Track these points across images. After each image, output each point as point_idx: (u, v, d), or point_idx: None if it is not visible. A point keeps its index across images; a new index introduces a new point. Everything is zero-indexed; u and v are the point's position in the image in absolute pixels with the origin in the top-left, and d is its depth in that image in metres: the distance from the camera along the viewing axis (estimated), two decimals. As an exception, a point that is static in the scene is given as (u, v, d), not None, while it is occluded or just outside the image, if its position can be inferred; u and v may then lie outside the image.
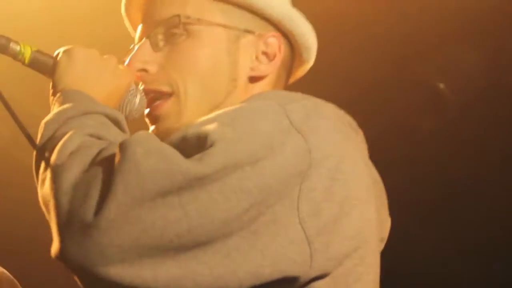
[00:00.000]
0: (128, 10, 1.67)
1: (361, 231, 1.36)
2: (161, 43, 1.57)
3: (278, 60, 1.60)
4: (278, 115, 1.30)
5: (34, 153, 1.37)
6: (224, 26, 1.57)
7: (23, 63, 1.55)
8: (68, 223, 1.21)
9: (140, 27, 1.63)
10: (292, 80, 1.71)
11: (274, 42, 1.59)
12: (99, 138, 1.34)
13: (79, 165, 1.26)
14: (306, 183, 1.27)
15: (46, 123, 1.38)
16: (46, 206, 1.29)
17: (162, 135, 1.44)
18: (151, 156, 1.21)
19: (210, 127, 1.26)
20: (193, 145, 1.25)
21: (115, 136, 1.37)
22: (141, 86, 1.59)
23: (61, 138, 1.32)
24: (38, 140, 1.37)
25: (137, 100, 1.57)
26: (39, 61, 1.55)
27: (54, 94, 1.47)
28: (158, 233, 1.20)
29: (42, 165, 1.33)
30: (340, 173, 1.32)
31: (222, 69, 1.56)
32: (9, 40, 1.53)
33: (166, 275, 1.20)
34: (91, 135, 1.34)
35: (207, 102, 1.54)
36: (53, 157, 1.29)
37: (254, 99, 1.43)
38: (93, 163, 1.26)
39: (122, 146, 1.23)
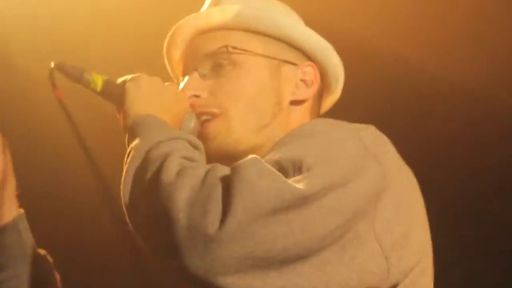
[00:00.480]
0: (170, 49, 1.84)
1: (423, 246, 1.57)
2: (208, 74, 1.75)
3: (315, 87, 1.78)
4: (357, 142, 1.50)
5: (125, 172, 1.50)
6: (266, 56, 1.75)
7: (95, 91, 1.69)
8: (190, 238, 1.35)
9: (184, 63, 1.81)
10: (322, 111, 1.89)
11: (311, 70, 1.78)
12: (192, 160, 1.49)
13: (189, 184, 1.39)
14: (380, 204, 1.46)
15: (137, 147, 1.51)
16: (149, 222, 1.43)
17: (213, 152, 1.66)
18: (264, 177, 1.37)
19: (303, 153, 1.43)
20: (288, 168, 1.42)
21: (201, 159, 1.54)
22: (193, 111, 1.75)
23: (158, 160, 1.46)
24: (128, 161, 1.51)
25: (192, 123, 1.71)
26: (109, 90, 1.69)
27: (127, 119, 1.62)
28: (268, 247, 1.35)
29: (140, 184, 1.47)
30: (405, 193, 1.54)
31: (266, 93, 1.73)
32: (82, 70, 1.68)
33: (272, 285, 1.36)
34: (186, 158, 1.48)
35: (254, 122, 1.71)
36: (159, 178, 1.42)
37: (316, 125, 1.65)
38: (204, 183, 1.39)
39: (237, 168, 1.39)
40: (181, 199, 1.38)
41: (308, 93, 1.78)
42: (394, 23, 3.41)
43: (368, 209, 1.45)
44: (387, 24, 3.42)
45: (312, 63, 1.79)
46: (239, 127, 1.71)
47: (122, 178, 1.50)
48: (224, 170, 1.42)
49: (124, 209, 1.50)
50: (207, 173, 1.42)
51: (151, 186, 1.44)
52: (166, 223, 1.38)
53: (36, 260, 1.85)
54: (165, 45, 1.84)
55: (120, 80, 1.70)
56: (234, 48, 1.73)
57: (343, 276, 1.40)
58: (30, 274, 1.83)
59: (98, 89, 1.68)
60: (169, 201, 1.38)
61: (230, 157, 1.63)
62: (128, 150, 1.54)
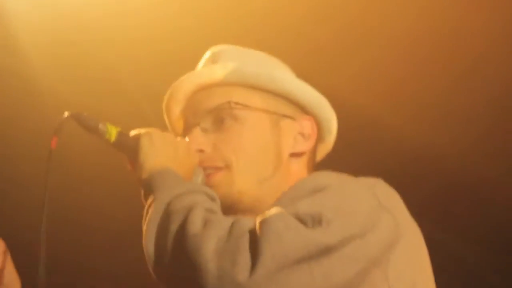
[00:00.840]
0: (170, 104, 1.90)
1: None
2: (210, 128, 1.82)
3: (313, 140, 1.86)
4: (370, 196, 1.58)
5: (147, 224, 1.58)
6: (265, 111, 1.82)
7: (109, 142, 1.74)
8: (221, 287, 1.44)
9: (185, 118, 1.88)
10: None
11: (308, 124, 1.86)
12: (214, 212, 1.58)
13: (216, 235, 1.48)
14: (393, 254, 1.56)
15: (157, 199, 1.60)
16: (177, 272, 1.52)
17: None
18: (290, 230, 1.46)
19: (322, 208, 1.52)
20: (307, 222, 1.50)
21: (220, 210, 1.62)
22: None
23: (181, 212, 1.55)
24: (150, 213, 1.59)
25: (200, 178, 1.79)
26: (123, 141, 1.75)
27: (142, 172, 1.70)
28: None
29: (165, 236, 1.54)
30: (415, 244, 1.65)
31: (268, 147, 1.81)
32: (98, 121, 1.73)
33: None
34: (208, 210, 1.56)
35: (256, 175, 1.79)
36: (185, 229, 1.51)
37: (325, 178, 1.70)
38: (231, 234, 1.49)
39: (265, 221, 1.48)
40: (210, 250, 1.46)
41: (307, 146, 1.85)
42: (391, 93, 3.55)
43: (382, 258, 1.54)
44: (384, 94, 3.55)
45: (309, 117, 1.86)
46: (242, 179, 1.77)
47: (144, 230, 1.58)
48: (248, 222, 1.51)
49: (148, 261, 1.56)
50: (232, 224, 1.50)
51: (176, 237, 1.52)
52: (196, 273, 1.46)
53: None
54: (165, 101, 1.90)
55: (133, 132, 1.77)
56: (236, 103, 1.80)
57: None
58: None
59: (112, 140, 1.73)
60: (198, 252, 1.46)
61: (233, 208, 1.74)
62: (149, 202, 1.61)
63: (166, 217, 1.56)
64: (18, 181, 3.89)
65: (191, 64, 1.94)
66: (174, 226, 1.54)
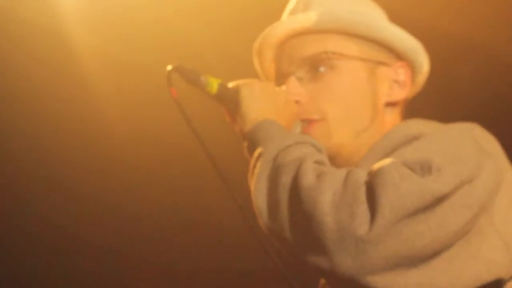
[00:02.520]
0: (263, 49, 1.86)
1: None
2: (305, 77, 1.78)
3: (408, 87, 1.82)
4: (472, 140, 1.54)
5: (257, 177, 1.55)
6: (361, 59, 1.78)
7: (210, 94, 1.72)
8: (340, 240, 1.42)
9: (278, 64, 1.84)
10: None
11: (403, 71, 1.82)
12: (324, 164, 1.54)
13: (331, 188, 1.45)
14: (497, 198, 1.54)
15: (265, 151, 1.57)
16: (291, 225, 1.49)
17: None
18: (406, 180, 1.43)
19: (429, 155, 1.48)
20: (416, 170, 1.46)
21: (328, 162, 1.58)
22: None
23: (292, 165, 1.52)
24: (259, 166, 1.56)
25: (299, 129, 1.75)
26: (224, 93, 1.72)
27: (245, 124, 1.68)
28: (411, 245, 1.43)
29: (276, 189, 1.51)
30: None
31: (365, 97, 1.77)
32: (199, 73, 1.71)
33: (413, 281, 1.45)
34: (318, 162, 1.53)
35: (354, 126, 1.75)
36: (298, 182, 1.48)
37: (423, 126, 1.69)
38: (346, 186, 1.45)
39: (380, 172, 1.45)
40: (326, 202, 1.44)
41: (402, 94, 1.81)
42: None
43: (489, 203, 1.52)
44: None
45: (404, 64, 1.82)
46: (340, 132, 1.74)
47: (254, 182, 1.55)
48: (362, 174, 1.48)
49: (258, 214, 1.54)
50: (347, 176, 1.48)
51: (289, 191, 1.49)
52: (313, 226, 1.44)
53: None
54: (256, 45, 1.87)
55: (232, 84, 1.74)
56: (333, 53, 1.76)
57: (473, 269, 1.48)
58: None
59: (214, 92, 1.71)
60: (314, 205, 1.44)
61: (332, 161, 1.65)
62: (255, 154, 1.60)
63: (276, 170, 1.54)
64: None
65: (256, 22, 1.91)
66: (286, 179, 1.51)
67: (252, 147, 1.63)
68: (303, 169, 1.49)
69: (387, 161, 1.48)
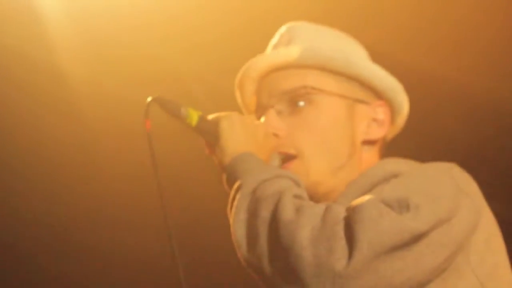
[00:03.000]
0: (244, 82, 1.88)
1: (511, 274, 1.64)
2: (285, 111, 1.79)
3: (386, 126, 1.83)
4: (451, 179, 1.56)
5: (235, 209, 1.57)
6: (340, 96, 1.79)
7: (190, 126, 1.73)
8: (317, 275, 1.43)
9: (258, 98, 1.85)
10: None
11: (382, 110, 1.82)
12: (302, 199, 1.56)
13: (309, 223, 1.46)
14: (474, 237, 1.55)
15: (246, 183, 1.58)
16: (269, 259, 1.50)
17: None
18: (384, 217, 1.45)
19: (407, 193, 1.50)
20: (394, 207, 1.47)
21: (306, 197, 1.59)
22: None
23: (270, 198, 1.53)
24: (238, 199, 1.58)
25: (277, 163, 1.76)
26: (204, 126, 1.74)
27: (224, 156, 1.69)
28: (388, 281, 1.45)
29: (255, 222, 1.53)
30: (492, 227, 1.62)
31: (343, 133, 1.78)
32: (180, 105, 1.73)
33: None
34: (297, 196, 1.54)
35: (331, 164, 1.76)
36: (277, 216, 1.50)
37: (400, 164, 1.71)
38: (325, 221, 1.47)
39: (359, 208, 1.46)
40: (305, 237, 1.45)
41: (380, 132, 1.82)
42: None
43: (465, 242, 1.54)
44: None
45: (383, 103, 1.83)
46: (316, 169, 1.75)
47: (233, 215, 1.57)
48: (341, 209, 1.50)
49: (237, 246, 1.56)
50: (326, 211, 1.49)
51: (268, 224, 1.51)
52: (291, 260, 1.45)
53: None
54: (238, 78, 1.89)
55: (212, 116, 1.76)
56: (312, 88, 1.78)
57: None
58: None
59: (193, 124, 1.73)
60: (293, 240, 1.46)
61: (310, 198, 1.64)
62: (234, 187, 1.60)
63: (255, 203, 1.55)
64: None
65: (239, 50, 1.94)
66: (265, 213, 1.52)
67: (231, 179, 1.64)
68: (282, 204, 1.51)
69: (365, 197, 1.50)
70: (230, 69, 1.95)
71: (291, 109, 1.79)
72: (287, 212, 1.49)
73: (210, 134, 1.73)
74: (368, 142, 1.82)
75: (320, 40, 1.84)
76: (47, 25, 3.45)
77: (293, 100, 1.79)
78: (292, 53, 1.80)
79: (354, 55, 1.84)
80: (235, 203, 1.57)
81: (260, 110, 1.83)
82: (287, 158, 1.76)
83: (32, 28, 3.48)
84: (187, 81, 3.63)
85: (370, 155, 1.82)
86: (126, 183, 3.94)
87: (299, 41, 1.83)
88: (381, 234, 1.43)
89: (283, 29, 1.89)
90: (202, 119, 1.74)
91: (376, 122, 1.82)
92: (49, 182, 3.94)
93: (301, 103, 1.78)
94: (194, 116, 1.73)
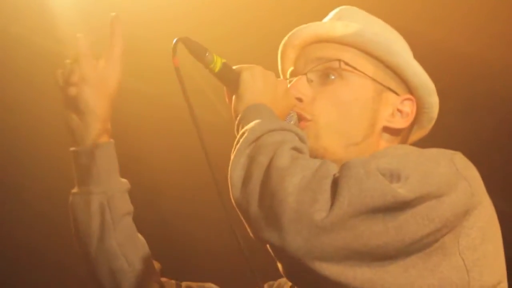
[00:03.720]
0: (286, 48, 1.92)
1: (503, 266, 1.65)
2: (315, 81, 1.84)
3: (409, 119, 1.86)
4: (450, 162, 1.58)
5: (236, 150, 1.59)
6: (372, 80, 1.84)
7: (213, 72, 1.77)
8: (296, 221, 1.45)
9: (295, 65, 1.91)
10: (408, 143, 1.96)
11: (409, 104, 1.86)
12: (302, 152, 1.59)
13: (301, 172, 1.49)
14: (467, 222, 1.56)
15: (251, 130, 1.61)
16: (256, 199, 1.52)
17: None
18: (371, 177, 1.47)
19: (401, 165, 1.52)
20: (385, 176, 1.50)
21: (307, 152, 1.62)
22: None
23: (271, 145, 1.56)
24: (241, 141, 1.60)
25: (292, 121, 1.80)
26: (226, 73, 1.77)
27: (239, 104, 1.73)
28: (364, 241, 1.46)
29: (251, 164, 1.55)
30: (490, 217, 1.63)
31: (365, 113, 1.82)
32: (206, 49, 1.76)
33: (362, 277, 1.47)
34: (297, 149, 1.57)
35: (345, 137, 1.81)
36: (272, 161, 1.52)
37: (407, 147, 1.75)
38: (316, 174, 1.49)
39: (348, 166, 1.50)
40: (292, 184, 1.47)
41: (402, 123, 1.86)
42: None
43: (456, 224, 1.54)
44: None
45: (412, 97, 1.86)
46: (329, 137, 1.79)
47: (233, 155, 1.59)
48: (334, 166, 1.52)
49: (230, 186, 1.57)
50: (319, 165, 1.52)
51: (262, 168, 1.53)
52: (274, 203, 1.48)
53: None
54: (282, 45, 1.93)
55: (236, 66, 1.79)
56: (346, 64, 1.82)
57: (426, 281, 1.51)
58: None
59: (216, 70, 1.76)
60: (281, 184, 1.48)
61: None
62: (242, 131, 1.63)
63: (256, 148, 1.57)
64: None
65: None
66: (262, 158, 1.54)
67: (241, 126, 1.67)
68: (280, 151, 1.53)
69: (358, 158, 1.54)
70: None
71: (322, 81, 1.83)
72: (283, 159, 1.51)
73: (231, 82, 1.76)
74: (389, 131, 1.86)
75: (367, 24, 1.88)
76: (57, 17, 3.43)
77: (325, 72, 1.83)
78: (336, 27, 1.85)
79: (397, 45, 1.87)
80: (237, 146, 1.60)
81: (294, 76, 1.89)
82: (302, 119, 1.81)
83: (42, 19, 3.46)
84: (197, 78, 3.61)
85: (388, 142, 1.86)
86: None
87: (347, 20, 1.88)
88: (364, 193, 1.45)
89: (336, 9, 1.94)
90: (225, 66, 1.77)
91: (401, 113, 1.85)
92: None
93: (332, 77, 1.82)
94: (218, 62, 1.76)
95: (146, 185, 4.07)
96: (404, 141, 1.90)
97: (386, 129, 1.85)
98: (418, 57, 1.89)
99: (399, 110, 1.85)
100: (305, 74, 1.84)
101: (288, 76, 1.93)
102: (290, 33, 1.91)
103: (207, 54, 1.75)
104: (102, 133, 1.94)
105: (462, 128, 3.72)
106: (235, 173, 1.56)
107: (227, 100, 1.81)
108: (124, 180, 1.98)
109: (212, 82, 1.87)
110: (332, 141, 1.79)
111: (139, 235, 1.99)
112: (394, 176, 1.50)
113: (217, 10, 3.45)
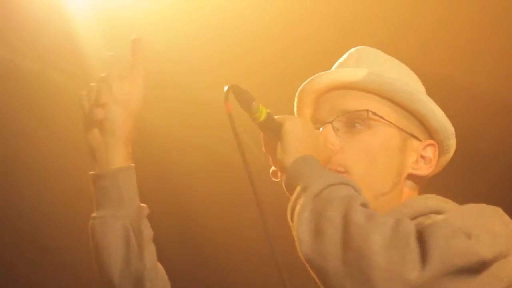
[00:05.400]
0: (305, 92, 1.93)
1: None
2: (341, 128, 1.85)
3: (433, 165, 1.89)
4: (501, 219, 1.60)
5: (301, 206, 1.59)
6: (398, 128, 1.85)
7: (256, 121, 1.78)
8: (389, 279, 1.48)
9: (316, 110, 1.91)
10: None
11: (432, 150, 1.89)
12: (369, 207, 1.60)
13: (381, 230, 1.51)
14: None
15: (313, 184, 1.61)
16: (329, 255, 1.53)
17: None
18: (456, 238, 1.49)
19: (468, 222, 1.54)
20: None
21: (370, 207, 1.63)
22: None
23: (337, 200, 1.57)
24: (304, 196, 1.60)
25: None
26: (269, 123, 1.78)
27: (287, 155, 1.72)
28: None
29: (320, 219, 1.56)
30: None
31: (392, 163, 1.84)
32: (253, 98, 1.77)
33: None
34: (364, 205, 1.58)
35: (375, 188, 1.82)
36: (347, 217, 1.53)
37: (433, 201, 1.78)
38: (397, 231, 1.51)
39: (433, 225, 1.52)
40: (377, 242, 1.49)
41: (426, 170, 1.88)
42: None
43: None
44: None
45: (434, 143, 1.89)
46: (362, 189, 1.75)
47: (297, 213, 1.59)
48: (411, 223, 1.54)
49: (298, 242, 1.57)
50: (397, 222, 1.53)
51: (337, 224, 1.54)
52: (362, 262, 1.50)
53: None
54: (301, 87, 1.94)
55: (278, 117, 1.80)
56: (374, 113, 1.83)
57: None
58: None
59: (260, 119, 1.77)
60: (365, 242, 1.50)
61: None
62: (300, 187, 1.63)
63: (321, 203, 1.58)
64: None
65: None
66: (332, 213, 1.55)
67: (292, 179, 1.68)
68: (353, 208, 1.54)
69: (439, 217, 1.56)
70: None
71: (348, 129, 1.84)
72: (359, 216, 1.53)
73: (273, 132, 1.77)
74: (412, 178, 1.87)
75: (386, 68, 1.89)
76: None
77: (351, 121, 1.84)
78: (358, 74, 1.86)
79: (418, 90, 1.89)
80: (301, 201, 1.60)
81: (317, 123, 1.88)
82: (334, 171, 1.80)
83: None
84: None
85: (411, 191, 1.88)
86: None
87: (365, 64, 1.90)
88: (453, 253, 1.48)
89: (351, 50, 1.95)
90: (269, 116, 1.78)
91: (424, 159, 1.88)
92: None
93: (358, 126, 1.84)
94: (263, 112, 1.76)
95: (192, 231, 4.14)
96: (425, 186, 1.92)
97: (409, 176, 1.87)
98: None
99: (422, 156, 1.88)
100: (331, 122, 1.85)
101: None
102: (311, 78, 1.92)
103: (254, 104, 1.76)
104: (126, 156, 1.92)
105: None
106: (301, 228, 1.57)
107: (264, 148, 1.83)
108: (144, 205, 1.95)
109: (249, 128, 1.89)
110: (364, 192, 1.73)
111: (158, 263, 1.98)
112: (466, 235, 1.51)
113: (256, 60, 3.49)
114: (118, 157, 1.90)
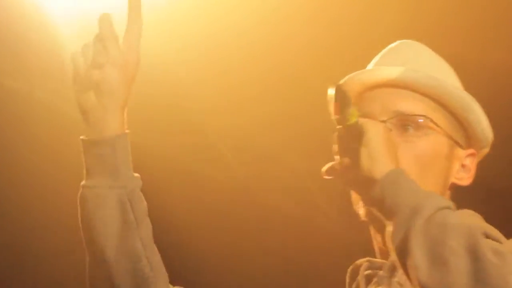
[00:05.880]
0: (355, 84, 1.85)
1: None
2: (393, 130, 1.78)
3: (473, 175, 1.85)
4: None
5: (415, 229, 1.53)
6: (447, 136, 1.82)
7: (344, 123, 1.68)
8: None
9: (366, 103, 1.83)
10: None
11: (472, 160, 1.85)
12: (491, 236, 1.52)
13: None
14: None
15: (422, 207, 1.54)
16: (455, 286, 1.48)
17: None
18: None
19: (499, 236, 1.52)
20: None
21: None
22: None
23: (454, 229, 1.50)
24: (415, 219, 1.53)
25: None
26: (353, 127, 1.68)
27: (375, 165, 1.63)
28: None
29: (439, 247, 1.50)
30: None
31: (442, 171, 1.81)
32: (351, 102, 1.67)
33: None
34: (487, 234, 1.51)
35: None
36: (474, 252, 1.47)
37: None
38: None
39: (498, 252, 1.46)
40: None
41: (467, 180, 1.85)
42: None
43: None
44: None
45: (475, 152, 1.86)
46: None
47: (412, 235, 1.53)
48: None
49: (414, 268, 1.52)
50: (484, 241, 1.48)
51: (458, 255, 1.48)
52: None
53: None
54: (347, 78, 1.86)
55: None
56: (431, 121, 1.79)
57: None
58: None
59: (349, 122, 1.68)
60: (506, 284, 1.45)
61: None
62: (409, 208, 1.55)
63: (437, 229, 1.51)
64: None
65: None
66: (452, 243, 1.49)
67: (389, 195, 1.59)
68: (477, 241, 1.49)
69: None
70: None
71: (400, 132, 1.79)
72: (489, 252, 1.47)
73: (355, 136, 1.67)
74: (451, 187, 1.84)
75: (434, 68, 1.86)
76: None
77: (404, 123, 1.79)
78: (412, 75, 1.81)
79: (472, 98, 1.84)
80: (416, 226, 1.53)
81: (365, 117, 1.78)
82: None
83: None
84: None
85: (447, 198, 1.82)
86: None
87: (416, 63, 1.85)
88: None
89: (396, 45, 1.91)
90: (357, 121, 1.69)
91: (464, 169, 1.85)
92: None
93: (412, 130, 1.79)
94: (354, 117, 1.67)
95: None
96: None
97: (451, 186, 1.84)
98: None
99: (463, 165, 1.84)
100: (384, 121, 1.78)
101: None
102: (364, 70, 1.86)
103: (351, 107, 1.67)
104: (122, 122, 1.77)
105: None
106: (418, 254, 1.51)
107: (335, 149, 1.72)
108: (137, 175, 1.79)
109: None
110: None
111: None
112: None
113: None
114: (116, 122, 1.75)
